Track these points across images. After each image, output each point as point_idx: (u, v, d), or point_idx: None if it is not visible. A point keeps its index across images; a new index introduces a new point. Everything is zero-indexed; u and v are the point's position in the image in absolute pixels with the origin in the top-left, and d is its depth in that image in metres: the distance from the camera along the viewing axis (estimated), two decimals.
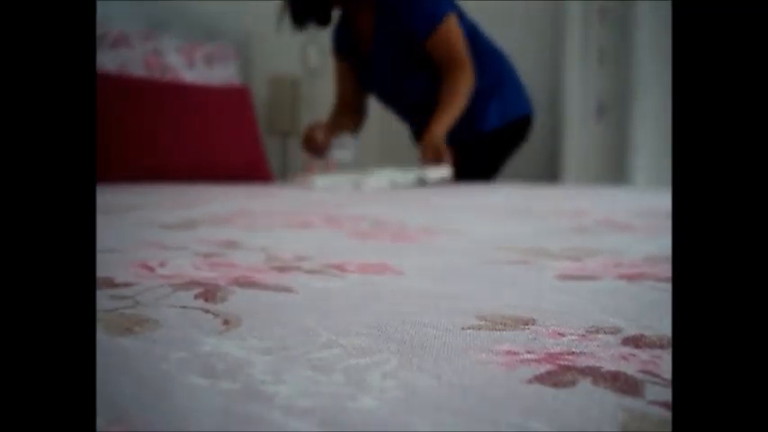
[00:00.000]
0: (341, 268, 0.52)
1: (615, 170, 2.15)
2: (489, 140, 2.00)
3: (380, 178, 1.69)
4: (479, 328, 0.35)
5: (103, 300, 0.39)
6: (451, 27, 1.88)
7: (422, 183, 1.71)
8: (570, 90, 2.18)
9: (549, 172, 2.29)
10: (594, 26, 2.15)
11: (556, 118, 2.26)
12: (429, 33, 1.88)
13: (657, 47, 2.04)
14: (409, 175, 1.71)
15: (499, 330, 0.35)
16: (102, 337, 0.32)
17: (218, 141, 1.88)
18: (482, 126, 1.99)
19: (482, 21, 2.27)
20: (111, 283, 0.44)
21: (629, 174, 2.09)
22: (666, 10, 2.04)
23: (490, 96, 1.99)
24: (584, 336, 0.34)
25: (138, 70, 1.91)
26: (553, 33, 2.29)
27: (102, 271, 0.47)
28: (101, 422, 0.22)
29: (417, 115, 2.03)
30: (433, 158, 1.79)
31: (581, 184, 2.09)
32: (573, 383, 0.27)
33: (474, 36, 2.01)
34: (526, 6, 2.36)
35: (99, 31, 1.87)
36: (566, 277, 0.51)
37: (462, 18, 1.97)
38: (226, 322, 0.35)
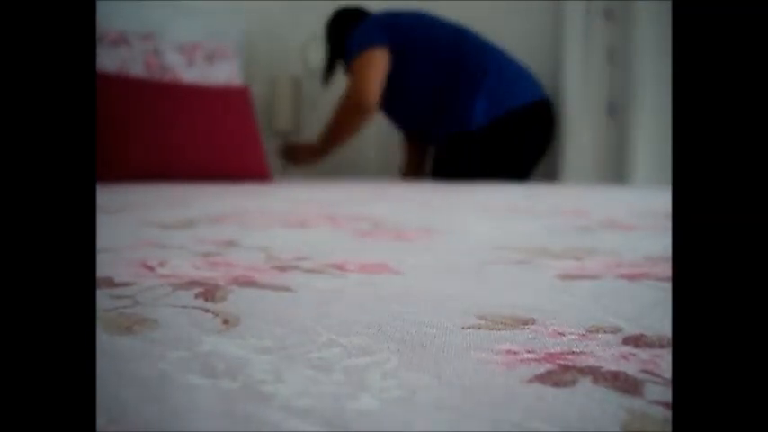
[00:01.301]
0: (341, 268, 0.52)
1: (614, 169, 2.15)
2: (480, 139, 2.02)
3: None
4: (479, 328, 0.35)
5: (103, 299, 0.39)
6: (365, 61, 2.04)
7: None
8: (570, 89, 2.18)
9: (548, 171, 2.29)
10: (595, 24, 2.15)
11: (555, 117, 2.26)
12: (350, 64, 2.10)
13: (658, 45, 2.04)
14: None
15: (499, 330, 0.35)
16: (101, 336, 0.32)
17: (218, 141, 1.88)
18: (468, 126, 2.02)
19: (483, 18, 2.28)
20: (111, 283, 0.44)
21: (629, 173, 2.09)
22: (667, 8, 2.04)
23: (474, 95, 2.02)
24: (584, 335, 0.34)
25: (137, 70, 1.91)
26: (554, 32, 2.29)
27: (101, 270, 0.47)
28: (100, 421, 0.22)
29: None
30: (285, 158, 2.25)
31: (580, 184, 2.09)
32: (573, 383, 0.27)
33: (441, 38, 2.08)
34: (527, 5, 2.36)
35: (99, 31, 1.87)
36: (566, 277, 0.51)
37: (404, 38, 2.08)
38: (225, 322, 0.35)
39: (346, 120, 2.06)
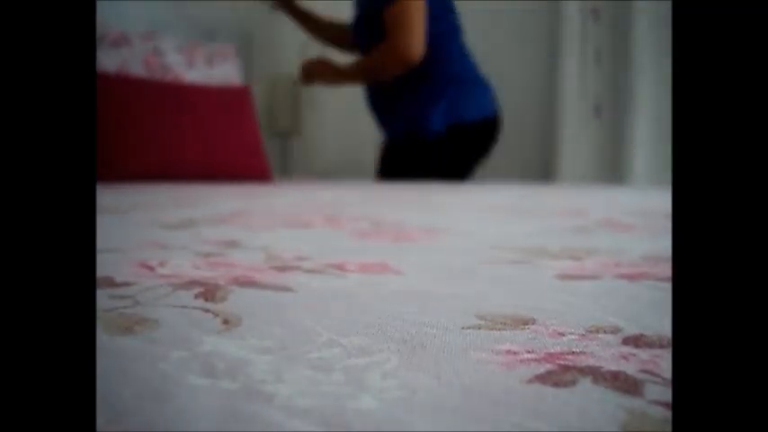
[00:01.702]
0: (341, 268, 0.52)
1: (611, 169, 2.15)
2: (436, 144, 1.96)
3: None
4: (479, 328, 0.35)
5: (103, 299, 0.39)
6: (406, 8, 1.79)
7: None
8: (566, 89, 2.18)
9: (544, 171, 2.29)
10: (590, 25, 2.16)
11: (551, 117, 2.27)
12: (384, 10, 1.84)
13: (654, 45, 2.05)
14: None
15: (499, 330, 0.35)
16: (102, 336, 0.32)
17: (218, 141, 1.88)
18: (425, 127, 1.95)
19: (475, 19, 2.28)
20: (111, 283, 0.44)
21: (625, 173, 2.09)
22: (663, 8, 2.04)
23: (436, 100, 1.95)
24: (584, 335, 0.34)
25: (138, 70, 1.91)
26: (549, 32, 2.29)
27: (102, 270, 0.47)
28: (100, 421, 0.22)
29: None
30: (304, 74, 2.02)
31: (576, 184, 2.09)
32: (573, 383, 0.27)
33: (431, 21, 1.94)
34: (522, 5, 2.36)
35: (99, 31, 1.87)
36: (565, 277, 0.51)
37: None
38: (225, 322, 0.35)
39: (384, 69, 1.89)
